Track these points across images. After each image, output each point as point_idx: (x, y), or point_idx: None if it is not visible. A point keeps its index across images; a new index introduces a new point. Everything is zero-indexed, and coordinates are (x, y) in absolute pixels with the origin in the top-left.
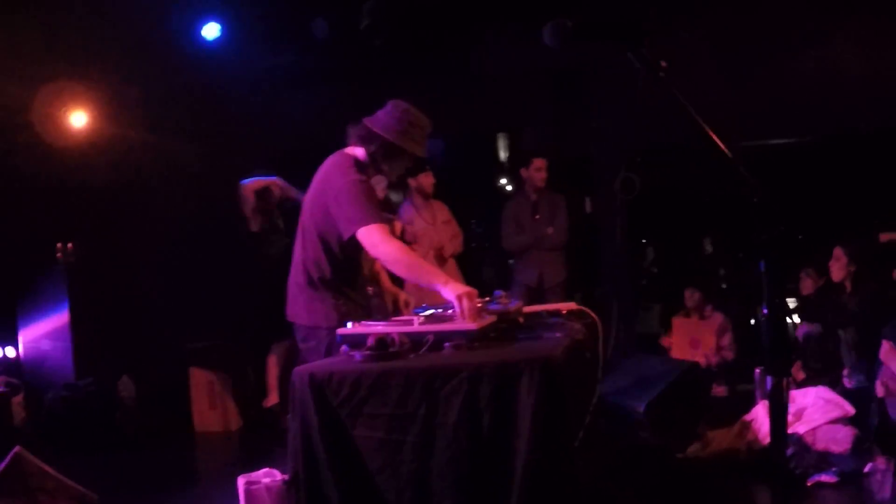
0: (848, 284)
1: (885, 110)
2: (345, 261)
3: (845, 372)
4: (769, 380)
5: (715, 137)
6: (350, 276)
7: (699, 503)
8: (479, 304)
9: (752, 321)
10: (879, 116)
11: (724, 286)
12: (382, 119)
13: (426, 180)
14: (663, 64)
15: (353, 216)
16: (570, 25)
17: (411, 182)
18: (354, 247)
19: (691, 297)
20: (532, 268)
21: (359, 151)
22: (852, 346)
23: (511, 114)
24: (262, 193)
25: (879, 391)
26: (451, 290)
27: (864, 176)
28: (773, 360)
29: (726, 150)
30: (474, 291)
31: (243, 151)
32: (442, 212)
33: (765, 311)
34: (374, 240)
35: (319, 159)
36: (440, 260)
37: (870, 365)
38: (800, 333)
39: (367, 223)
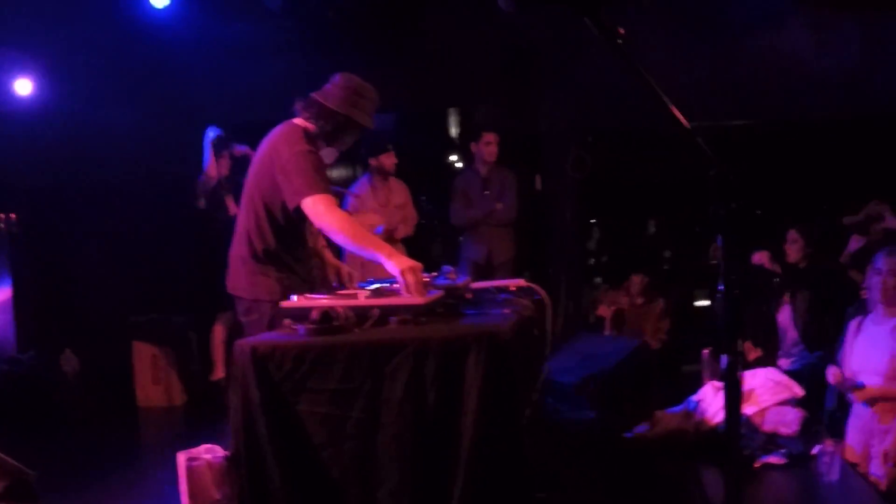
0: (804, 264)
1: (836, 99)
2: (289, 232)
3: (782, 352)
4: (724, 358)
5: (673, 108)
6: (294, 249)
7: (646, 484)
8: (426, 279)
9: (709, 302)
10: (830, 104)
11: (666, 268)
12: (331, 92)
13: (388, 160)
14: (621, 31)
15: (299, 186)
16: None
17: (372, 161)
18: (300, 217)
19: (640, 282)
20: (480, 244)
21: (308, 123)
22: (801, 313)
23: (463, 90)
24: (218, 152)
25: (832, 377)
26: (396, 263)
27: (818, 162)
28: (728, 339)
29: (684, 121)
30: (419, 265)
31: (192, 123)
32: (399, 194)
33: (720, 287)
34: (320, 209)
35: (269, 131)
36: (390, 242)
37: (817, 339)
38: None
39: (312, 193)
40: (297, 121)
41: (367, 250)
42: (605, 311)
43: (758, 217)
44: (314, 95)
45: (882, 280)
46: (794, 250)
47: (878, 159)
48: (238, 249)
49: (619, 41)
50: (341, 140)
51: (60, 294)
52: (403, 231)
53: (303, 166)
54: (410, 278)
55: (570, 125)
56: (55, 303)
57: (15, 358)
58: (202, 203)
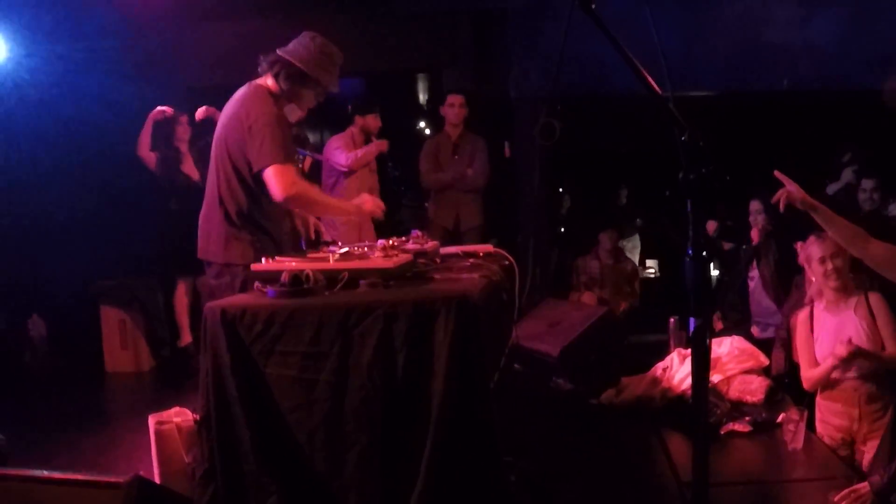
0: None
1: (811, 69)
2: (261, 193)
3: (754, 321)
4: (692, 321)
5: (644, 73)
6: (266, 208)
7: (612, 449)
8: (396, 243)
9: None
10: (805, 75)
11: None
12: (296, 49)
13: (374, 122)
14: None
15: (266, 150)
16: None
17: (358, 119)
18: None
19: (609, 240)
20: (449, 209)
21: (270, 82)
22: (769, 280)
23: (432, 54)
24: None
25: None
26: (359, 203)
27: (785, 133)
28: (697, 302)
29: (655, 87)
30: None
31: (157, 87)
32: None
33: (689, 251)
34: (286, 181)
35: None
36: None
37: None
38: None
39: (277, 162)
40: (260, 81)
41: (336, 212)
42: (589, 297)
43: (727, 183)
44: (281, 53)
45: (832, 267)
46: (758, 221)
47: (847, 131)
48: (209, 213)
49: (593, 6)
50: (303, 97)
51: (27, 258)
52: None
53: (271, 130)
54: (378, 212)
55: (540, 92)
56: (22, 267)
57: None
58: (157, 169)
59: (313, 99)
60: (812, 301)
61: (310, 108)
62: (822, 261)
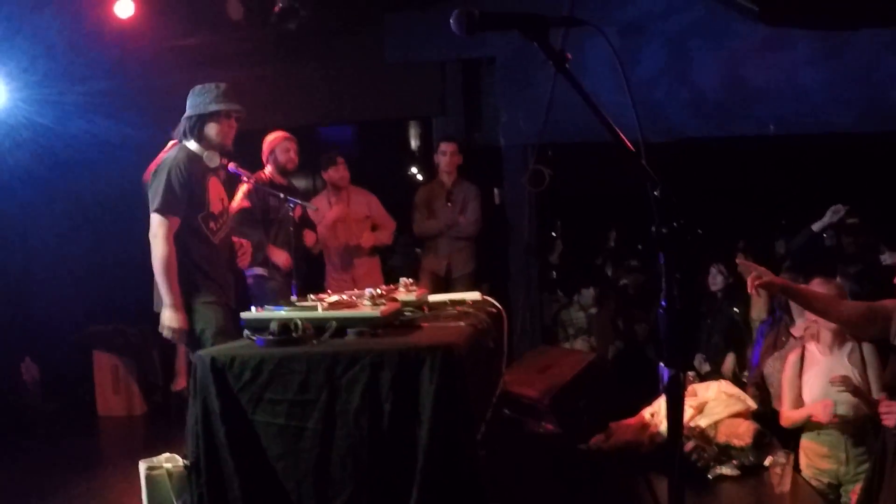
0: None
1: (795, 114)
2: (199, 241)
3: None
4: (666, 371)
5: (616, 129)
6: (203, 251)
7: (600, 494)
8: (385, 291)
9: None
10: (789, 120)
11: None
12: (187, 107)
13: (335, 174)
14: (568, 56)
15: (154, 198)
16: (476, 14)
17: (324, 175)
18: (206, 226)
19: (590, 295)
20: (440, 257)
21: (188, 143)
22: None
23: (422, 102)
24: None
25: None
26: (166, 317)
27: (781, 177)
28: (670, 352)
29: (627, 143)
30: (182, 327)
31: (151, 131)
32: (360, 207)
33: (663, 303)
34: (157, 230)
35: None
36: (352, 252)
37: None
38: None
39: (159, 211)
40: (185, 143)
41: (163, 287)
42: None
43: (700, 235)
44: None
45: None
46: (716, 283)
47: (833, 175)
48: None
49: (567, 66)
50: (217, 135)
51: (20, 302)
52: (372, 239)
53: (167, 181)
54: (167, 334)
55: (529, 139)
56: (15, 311)
57: None
58: None
59: (228, 129)
60: (804, 345)
61: (231, 140)
62: None
